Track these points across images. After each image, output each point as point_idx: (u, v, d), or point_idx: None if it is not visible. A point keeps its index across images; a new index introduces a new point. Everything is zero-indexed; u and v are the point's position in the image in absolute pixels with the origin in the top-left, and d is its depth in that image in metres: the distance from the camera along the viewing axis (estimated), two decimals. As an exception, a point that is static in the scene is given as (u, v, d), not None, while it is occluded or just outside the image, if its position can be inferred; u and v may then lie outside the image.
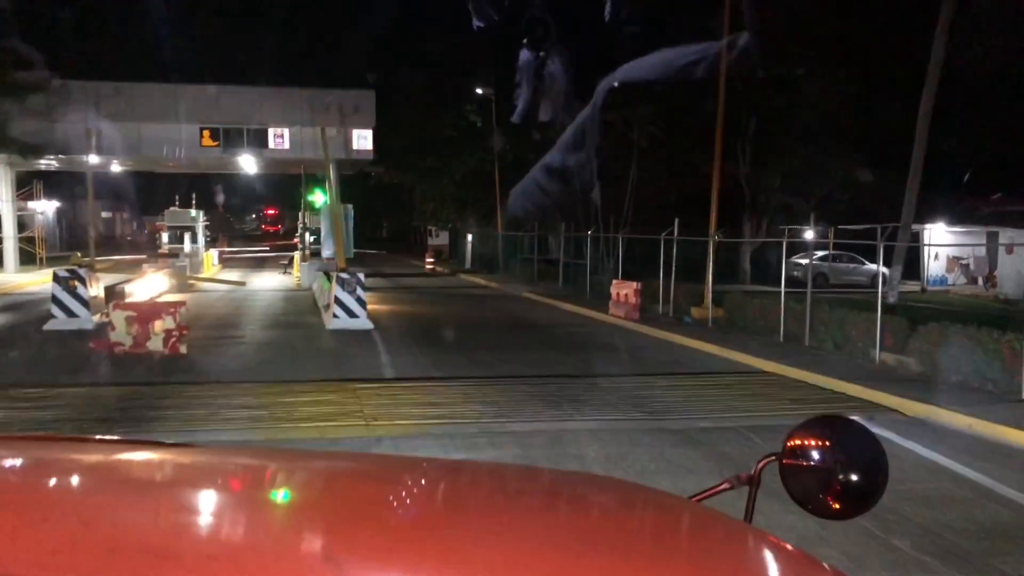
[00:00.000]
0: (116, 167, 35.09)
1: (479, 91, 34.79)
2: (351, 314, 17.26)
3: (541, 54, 30.94)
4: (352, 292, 17.38)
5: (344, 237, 20.97)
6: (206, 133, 29.85)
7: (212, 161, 32.58)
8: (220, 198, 59.88)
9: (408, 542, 1.05)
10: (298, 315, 19.99)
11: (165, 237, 32.95)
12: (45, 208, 57.67)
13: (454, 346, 14.93)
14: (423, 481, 1.43)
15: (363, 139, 31.04)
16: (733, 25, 19.29)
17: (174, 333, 13.29)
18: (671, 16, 28.59)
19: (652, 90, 29.54)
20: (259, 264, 42.01)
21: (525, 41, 30.76)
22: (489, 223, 37.50)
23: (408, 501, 1.30)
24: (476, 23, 30.88)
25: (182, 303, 13.95)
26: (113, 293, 19.45)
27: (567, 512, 1.36)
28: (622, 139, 31.03)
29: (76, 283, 16.28)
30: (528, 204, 30.62)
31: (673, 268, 19.18)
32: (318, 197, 30.43)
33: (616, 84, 30.70)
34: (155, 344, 13.23)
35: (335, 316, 17.26)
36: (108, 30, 31.85)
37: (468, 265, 39.34)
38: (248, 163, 32.23)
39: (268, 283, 30.88)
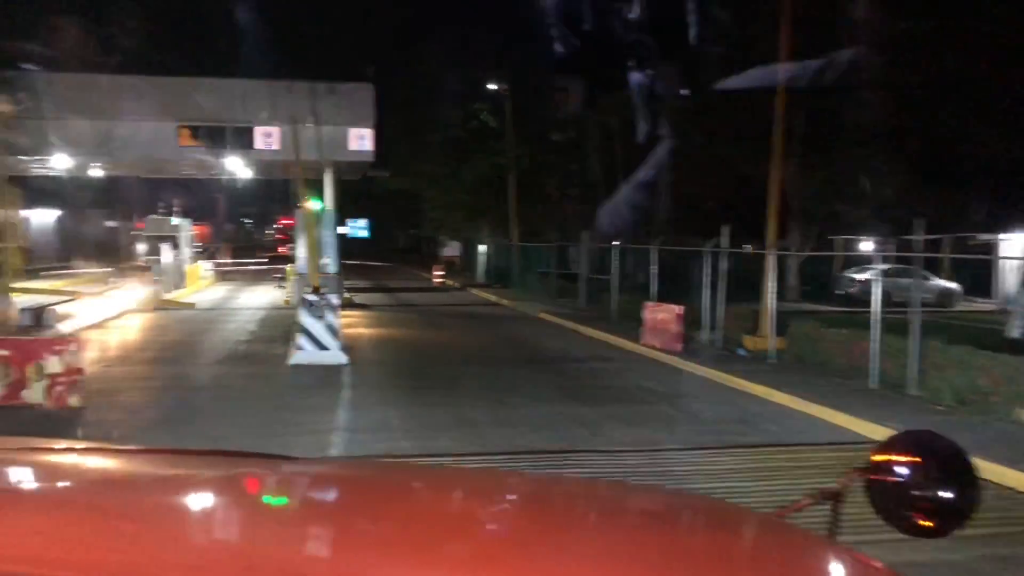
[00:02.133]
0: (96, 171, 31.95)
1: (493, 87, 31.38)
2: (320, 345, 13.80)
3: (649, 73, 27.81)
4: (321, 318, 13.92)
5: (323, 247, 17.55)
6: (184, 132, 26.58)
7: (195, 163, 29.30)
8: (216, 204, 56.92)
9: (500, 560, 1.05)
10: (266, 343, 16.56)
11: (141, 247, 29.79)
12: (42, 216, 55.38)
13: (442, 391, 11.40)
14: (515, 496, 1.44)
15: (362, 139, 27.63)
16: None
17: (60, 380, 9.87)
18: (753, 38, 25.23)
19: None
20: (257, 277, 38.79)
21: (632, 63, 27.78)
22: (504, 233, 34.03)
23: (501, 516, 1.29)
24: (558, 48, 27.83)
25: (71, 340, 10.50)
26: (43, 316, 16.16)
27: (655, 530, 1.34)
28: (652, 137, 27.49)
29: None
30: (617, 220, 27.29)
31: (722, 287, 15.57)
32: (312, 204, 27.17)
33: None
34: (35, 394, 9.83)
35: (299, 348, 13.81)
36: (71, 15, 28.75)
37: (481, 279, 35.84)
38: (235, 166, 28.96)
39: (256, 300, 27.54)
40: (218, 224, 60.00)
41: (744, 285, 16.80)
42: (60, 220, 55.36)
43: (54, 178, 34.99)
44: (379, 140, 31.60)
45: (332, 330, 13.93)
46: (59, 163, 27.76)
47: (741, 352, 14.74)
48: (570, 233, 30.42)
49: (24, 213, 54.16)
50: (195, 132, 26.77)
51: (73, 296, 18.66)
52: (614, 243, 21.79)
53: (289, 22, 36.97)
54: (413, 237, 54.39)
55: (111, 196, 53.15)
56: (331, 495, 1.43)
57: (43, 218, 55.11)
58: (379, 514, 1.24)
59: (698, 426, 9.62)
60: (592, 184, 31.62)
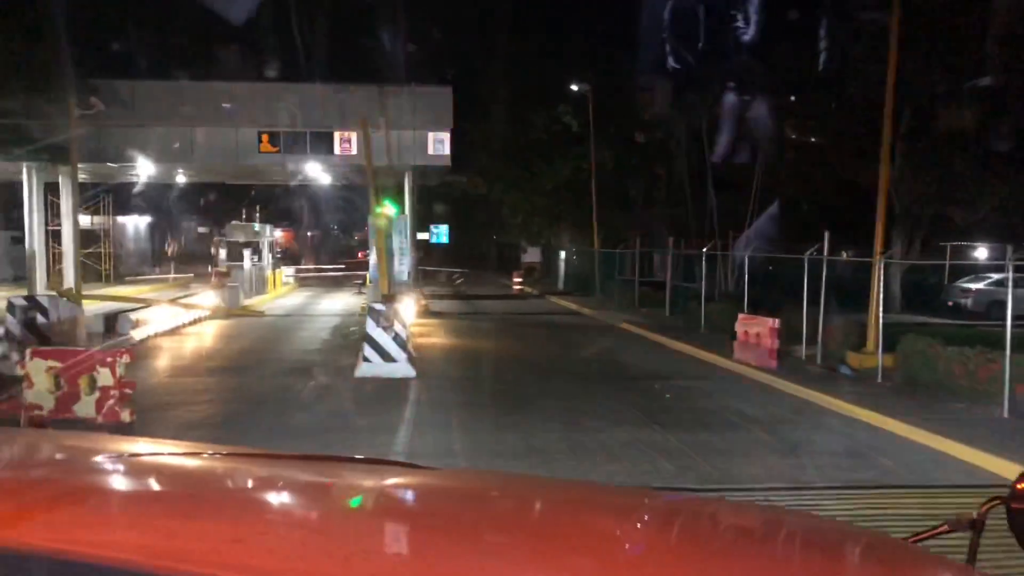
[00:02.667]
0: (181, 177, 32.38)
1: (575, 88, 30.37)
2: (387, 357, 13.09)
3: (746, 99, 26.60)
4: (389, 328, 13.20)
5: (395, 255, 16.89)
6: (264, 137, 26.54)
7: (275, 170, 29.30)
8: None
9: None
10: (335, 352, 16.01)
11: (222, 254, 29.94)
12: (137, 223, 57.04)
13: (512, 412, 10.47)
14: (645, 515, 1.43)
15: (440, 143, 27.07)
16: None
17: (112, 393, 9.36)
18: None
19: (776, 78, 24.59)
20: (339, 283, 38.80)
21: (731, 85, 26.62)
22: (585, 238, 32.95)
23: (631, 534, 1.28)
24: (672, 64, 26.94)
25: (125, 351, 10.01)
26: (116, 323, 15.98)
27: (794, 556, 1.29)
28: (742, 136, 26.01)
29: (36, 313, 12.74)
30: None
31: (822, 298, 14.20)
32: (388, 210, 26.73)
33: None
34: (85, 408, 9.35)
35: (365, 359, 13.13)
36: (148, 22, 29.06)
37: (561, 286, 34.85)
38: (315, 171, 28.80)
39: (334, 306, 27.27)
40: (305, 230, 60.64)
41: (842, 295, 15.36)
42: (153, 226, 56.91)
43: (148, 185, 35.73)
44: (458, 144, 31.07)
45: (400, 341, 13.19)
46: (144, 169, 28.09)
47: (845, 371, 13.36)
48: (655, 239, 29.17)
49: (121, 219, 55.90)
50: (275, 138, 26.68)
51: (145, 303, 18.54)
52: (704, 250, 20.51)
53: (365, 24, 36.79)
54: (495, 243, 53.77)
55: (207, 203, 54.32)
56: (459, 505, 1.38)
57: (138, 224, 56.86)
58: (508, 525, 1.23)
59: (801, 459, 8.42)
60: (678, 187, 30.29)
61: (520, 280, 34.02)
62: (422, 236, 75.50)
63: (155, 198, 47.34)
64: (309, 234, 61.24)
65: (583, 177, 30.62)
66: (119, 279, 35.22)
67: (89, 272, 34.74)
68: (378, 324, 13.15)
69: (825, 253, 14.29)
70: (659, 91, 32.83)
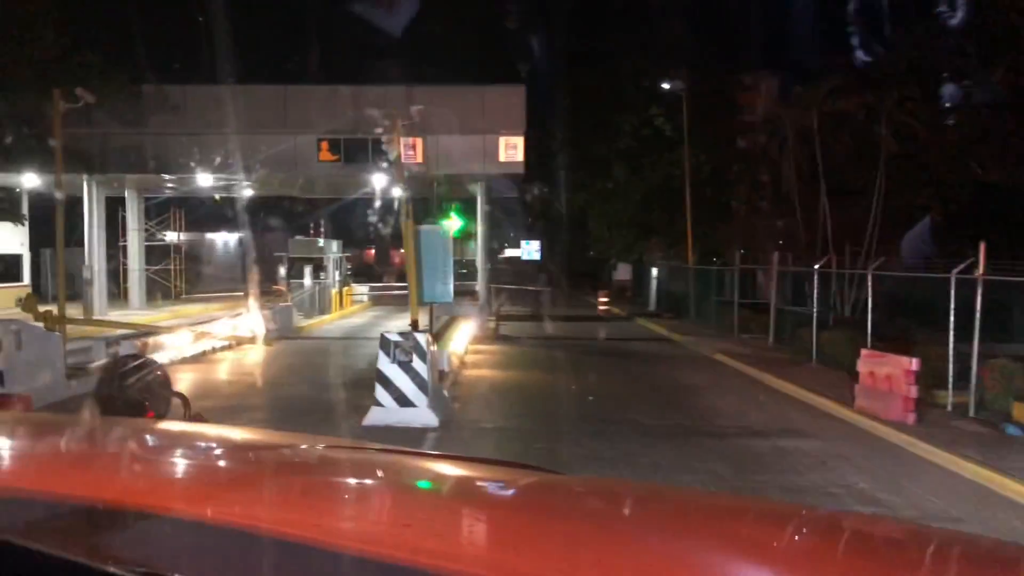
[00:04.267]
0: (247, 190, 30.88)
1: (667, 87, 27.26)
2: (402, 401, 10.41)
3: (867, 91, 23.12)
4: (406, 364, 10.51)
5: (438, 271, 14.27)
6: (323, 145, 24.56)
7: (338, 180, 27.30)
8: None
9: None
10: (363, 388, 13.39)
11: (281, 271, 28.18)
12: (226, 238, 56.82)
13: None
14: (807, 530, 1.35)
15: (512, 148, 24.45)
16: None
17: None
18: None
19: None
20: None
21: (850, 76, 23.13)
22: (679, 254, 29.65)
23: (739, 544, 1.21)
24: (861, 57, 23.76)
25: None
26: (119, 350, 13.90)
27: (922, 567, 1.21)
28: (862, 136, 22.29)
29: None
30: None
31: (976, 328, 10.73)
32: (453, 222, 24.26)
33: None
34: None
35: (377, 403, 10.49)
36: (193, 25, 27.63)
37: (652, 306, 31.54)
38: (381, 182, 26.65)
39: (399, 326, 24.86)
40: (388, 246, 59.02)
41: (998, 325, 11.82)
42: (242, 242, 56.51)
43: (224, 199, 34.60)
44: (534, 152, 28.41)
45: (420, 380, 10.48)
46: (203, 182, 26.59)
47: (1012, 430, 9.86)
48: (757, 254, 25.65)
49: (210, 235, 55.56)
50: (335, 145, 24.66)
51: (154, 330, 16.47)
52: (817, 267, 17.09)
53: (429, 19, 34.57)
54: (585, 260, 50.81)
55: (293, 216, 53.39)
56: (608, 508, 1.37)
57: (227, 240, 56.64)
58: (664, 536, 1.20)
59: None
60: (785, 196, 26.66)
61: (606, 300, 30.94)
62: (512, 252, 73.63)
63: (237, 212, 46.63)
64: (392, 251, 59.72)
65: (676, 185, 27.42)
66: (184, 297, 34.08)
67: (158, 289, 33.77)
68: (392, 358, 10.49)
69: (980, 271, 10.82)
70: (764, 89, 29.32)
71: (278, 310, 22.60)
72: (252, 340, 18.71)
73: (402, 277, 44.73)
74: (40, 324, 11.92)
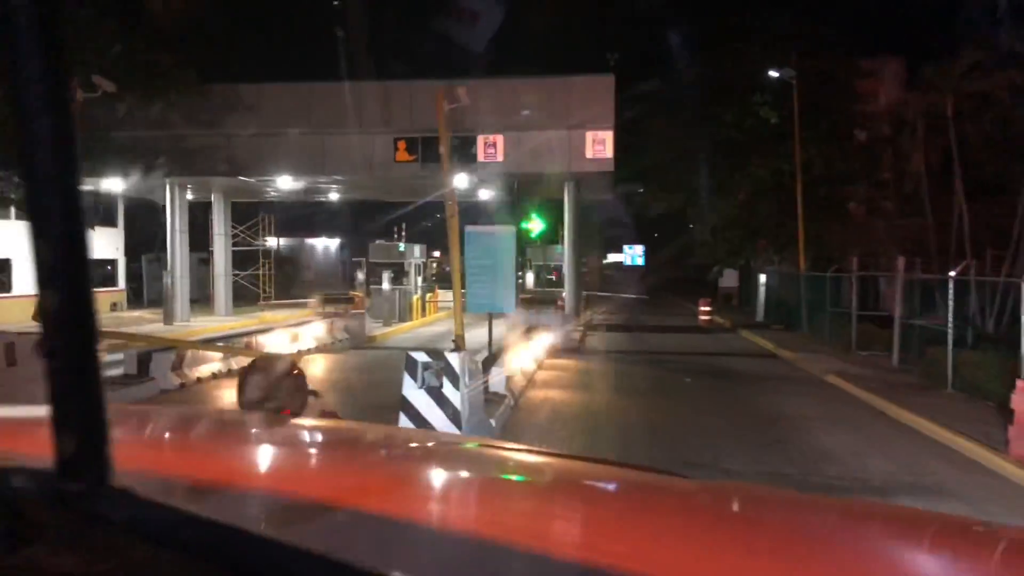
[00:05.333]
0: (334, 195, 30.01)
1: (775, 74, 24.63)
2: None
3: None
4: (436, 390, 8.74)
5: (492, 277, 12.48)
6: (401, 144, 23.19)
7: (417, 182, 25.87)
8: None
9: None
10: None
11: (360, 276, 27.01)
12: (327, 244, 56.82)
13: None
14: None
15: (599, 144, 22.42)
16: None
17: None
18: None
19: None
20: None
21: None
22: (789, 259, 26.90)
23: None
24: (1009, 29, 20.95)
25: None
26: (149, 366, 12.80)
27: None
28: (1006, 122, 19.21)
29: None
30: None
31: None
32: (535, 224, 22.50)
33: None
34: None
35: (401, 438, 8.77)
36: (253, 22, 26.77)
37: (760, 317, 28.83)
38: (463, 182, 25.11)
39: (476, 336, 23.23)
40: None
41: None
42: (343, 247, 56.25)
43: (320, 203, 33.97)
44: (632, 148, 26.31)
45: (453, 411, 8.67)
46: (283, 184, 25.74)
47: None
48: (879, 260, 22.72)
49: (310, 240, 55.63)
50: (412, 145, 23.27)
51: (175, 344, 15.22)
52: (952, 275, 14.39)
53: (512, 8, 32.72)
54: (690, 266, 48.03)
55: (391, 220, 52.83)
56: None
57: (328, 245, 56.62)
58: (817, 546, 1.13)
59: None
60: (912, 194, 23.57)
61: (708, 309, 28.43)
62: (615, 258, 71.16)
63: (323, 217, 46.22)
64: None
65: (785, 183, 24.74)
66: (273, 302, 33.53)
67: (249, 294, 33.39)
68: (420, 383, 8.74)
69: None
70: (887, 74, 26.23)
71: (349, 318, 21.36)
72: (336, 347, 17.44)
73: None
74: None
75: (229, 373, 14.40)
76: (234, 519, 0.83)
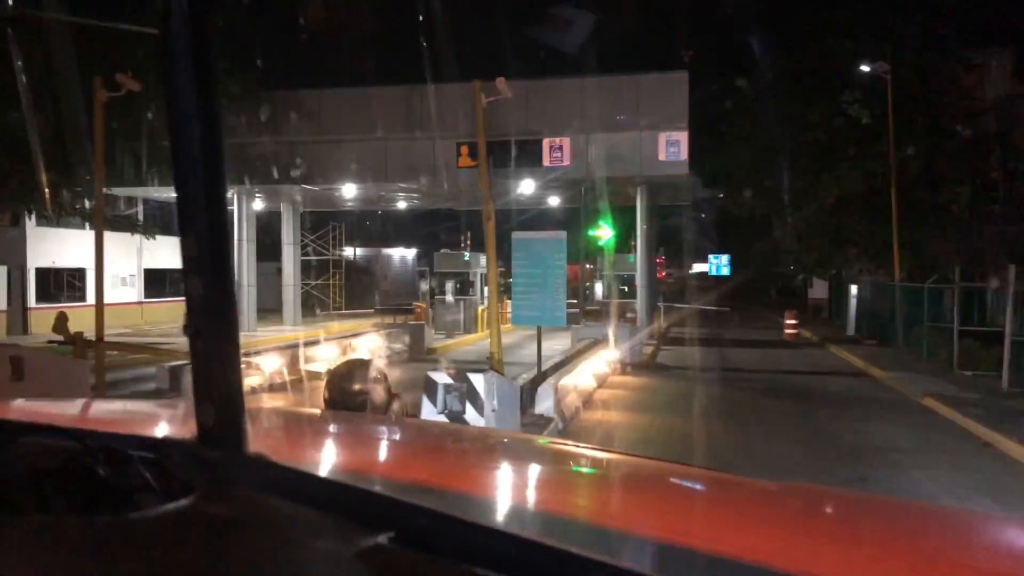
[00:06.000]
0: (402, 203, 29.37)
1: (866, 68, 22.76)
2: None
3: None
4: (458, 415, 7.67)
5: (541, 287, 11.39)
6: (463, 149, 22.33)
7: (480, 189, 24.87)
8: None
9: None
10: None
11: (423, 286, 26.23)
12: (404, 254, 56.67)
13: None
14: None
15: (674, 145, 21.04)
16: None
17: None
18: None
19: None
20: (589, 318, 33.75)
21: None
22: (883, 268, 24.85)
23: None
24: None
25: None
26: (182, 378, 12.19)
27: None
28: None
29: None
30: None
31: None
32: (604, 231, 21.24)
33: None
34: None
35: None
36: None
37: (851, 331, 26.81)
38: (528, 188, 24.08)
39: (551, 347, 22.04)
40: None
41: None
42: (420, 257, 55.96)
43: (407, 213, 33.53)
44: (709, 150, 24.84)
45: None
46: (347, 192, 25.24)
47: None
48: (986, 269, 20.60)
49: (387, 251, 55.55)
50: (475, 150, 22.34)
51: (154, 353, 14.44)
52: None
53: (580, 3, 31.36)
54: (777, 276, 45.71)
55: (455, 230, 52.24)
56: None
57: (405, 255, 56.46)
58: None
59: None
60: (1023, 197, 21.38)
61: (794, 323, 26.56)
62: (700, 268, 68.82)
63: (408, 227, 45.89)
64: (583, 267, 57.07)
65: (878, 186, 22.80)
66: (342, 312, 33.18)
67: (322, 304, 33.17)
68: (441, 407, 7.68)
69: None
70: (993, 66, 23.97)
71: (407, 330, 20.57)
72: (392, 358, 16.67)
73: (575, 292, 41.71)
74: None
75: (271, 388, 13.72)
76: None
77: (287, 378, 15.07)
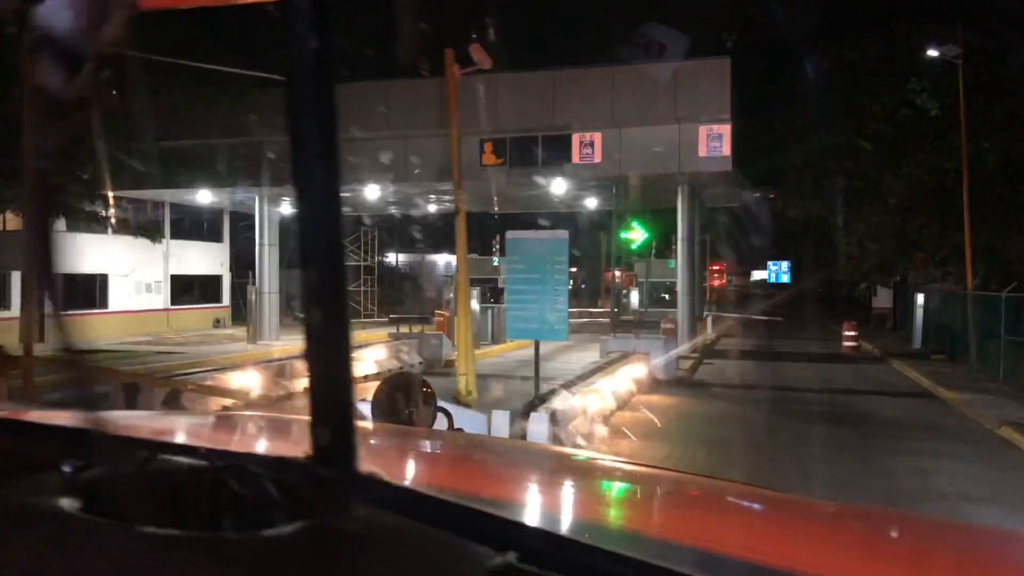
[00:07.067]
0: (426, 206, 27.96)
1: (934, 53, 20.51)
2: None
3: None
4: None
5: (540, 295, 9.74)
6: (488, 146, 20.74)
7: (517, 191, 23.25)
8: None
9: None
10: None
11: (448, 294, 24.75)
12: (449, 260, 55.45)
13: None
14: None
15: (716, 139, 19.11)
16: None
17: None
18: None
19: None
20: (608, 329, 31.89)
21: None
22: (954, 274, 22.48)
23: None
24: None
25: None
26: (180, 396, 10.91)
27: None
28: None
29: None
30: None
31: None
32: (637, 234, 19.42)
33: None
34: None
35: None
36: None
37: (917, 344, 24.43)
38: (559, 187, 22.37)
39: (574, 360, 20.24)
40: (595, 265, 54.18)
41: None
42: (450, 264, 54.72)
43: (420, 216, 32.25)
44: (760, 147, 22.87)
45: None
46: (370, 193, 23.88)
47: None
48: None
49: (431, 256, 54.24)
50: (499, 147, 20.81)
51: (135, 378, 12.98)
52: None
53: None
54: (838, 283, 43.04)
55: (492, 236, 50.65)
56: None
57: (450, 261, 55.25)
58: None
59: None
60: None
61: (853, 334, 24.26)
62: (759, 275, 65.90)
63: (447, 232, 44.54)
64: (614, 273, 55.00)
65: (948, 184, 20.50)
66: (373, 319, 31.94)
67: (361, 312, 31.99)
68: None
69: None
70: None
71: (424, 340, 19.10)
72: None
73: (615, 299, 39.52)
74: None
75: (247, 407, 12.31)
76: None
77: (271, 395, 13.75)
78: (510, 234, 10.35)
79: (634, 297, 28.49)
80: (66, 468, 0.94)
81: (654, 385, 15.89)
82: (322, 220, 0.81)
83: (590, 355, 18.84)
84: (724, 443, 10.98)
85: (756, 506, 1.44)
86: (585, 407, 11.39)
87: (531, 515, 1.05)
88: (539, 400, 10.08)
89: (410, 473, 1.35)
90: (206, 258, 31.56)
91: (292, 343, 23.39)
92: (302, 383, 14.83)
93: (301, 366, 15.32)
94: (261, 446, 1.46)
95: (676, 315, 21.67)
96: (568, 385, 11.24)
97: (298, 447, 0.90)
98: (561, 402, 10.55)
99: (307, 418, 0.84)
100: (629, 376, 14.91)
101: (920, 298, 24.74)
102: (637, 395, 14.74)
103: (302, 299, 0.79)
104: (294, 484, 0.91)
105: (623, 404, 13.59)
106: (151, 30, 14.20)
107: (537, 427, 9.46)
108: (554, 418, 9.72)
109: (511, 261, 10.20)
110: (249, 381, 13.01)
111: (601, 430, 11.44)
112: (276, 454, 1.01)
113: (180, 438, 1.50)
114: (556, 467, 1.64)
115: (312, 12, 0.77)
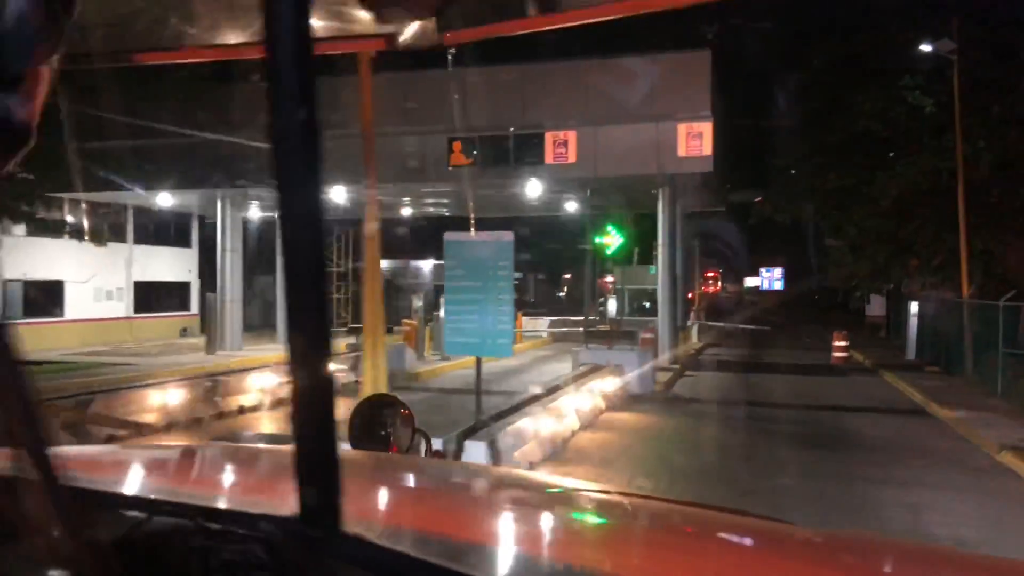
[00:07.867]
0: (407, 209, 26.77)
1: (927, 48, 19.41)
2: None
3: None
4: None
5: (481, 305, 8.59)
6: (456, 145, 19.57)
7: (494, 193, 21.97)
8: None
9: None
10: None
11: (416, 302, 23.52)
12: (436, 266, 54.27)
13: None
14: None
15: (695, 139, 17.96)
16: None
17: None
18: None
19: None
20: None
21: None
22: (949, 281, 21.37)
23: None
24: None
25: None
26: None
27: None
28: None
29: None
30: None
31: None
32: (612, 238, 18.28)
33: None
34: None
35: None
36: None
37: (911, 354, 23.30)
38: (534, 189, 21.19)
39: (548, 371, 19.03)
40: (590, 272, 52.99)
41: None
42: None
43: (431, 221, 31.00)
44: (742, 145, 21.76)
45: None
46: (335, 195, 22.64)
47: None
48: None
49: (416, 263, 52.99)
50: (468, 146, 19.62)
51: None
52: None
53: None
54: (830, 291, 41.91)
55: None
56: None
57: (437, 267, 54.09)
58: None
59: None
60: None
61: (843, 344, 23.11)
62: (752, 282, 64.75)
63: (434, 236, 43.29)
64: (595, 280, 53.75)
65: (943, 185, 19.39)
66: (348, 327, 30.73)
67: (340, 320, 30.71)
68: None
69: None
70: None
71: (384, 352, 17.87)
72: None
73: (586, 307, 38.11)
74: None
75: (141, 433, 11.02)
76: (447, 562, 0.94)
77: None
78: (448, 235, 9.20)
79: (611, 305, 27.31)
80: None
81: (627, 401, 14.76)
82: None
83: (563, 368, 17.65)
84: (691, 472, 9.79)
85: (746, 540, 1.41)
86: (538, 431, 10.21)
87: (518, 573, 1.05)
88: (479, 425, 8.89)
89: (393, 520, 1.31)
90: (173, 264, 30.37)
91: (256, 353, 22.19)
92: (237, 401, 13.68)
93: (240, 382, 14.15)
94: (249, 503, 1.26)
95: (656, 324, 20.49)
96: (516, 408, 10.06)
97: (276, 494, 0.90)
98: (507, 426, 9.39)
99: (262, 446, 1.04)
100: (598, 391, 13.76)
101: (914, 306, 23.60)
102: (605, 412, 13.58)
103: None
104: (283, 545, 0.92)
105: (588, 424, 12.42)
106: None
107: (473, 458, 8.28)
108: (493, 446, 8.54)
109: (449, 267, 9.05)
110: (171, 400, 11.78)
111: (556, 455, 10.27)
112: (266, 512, 0.99)
113: (147, 487, 1.45)
114: (548, 503, 1.59)
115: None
